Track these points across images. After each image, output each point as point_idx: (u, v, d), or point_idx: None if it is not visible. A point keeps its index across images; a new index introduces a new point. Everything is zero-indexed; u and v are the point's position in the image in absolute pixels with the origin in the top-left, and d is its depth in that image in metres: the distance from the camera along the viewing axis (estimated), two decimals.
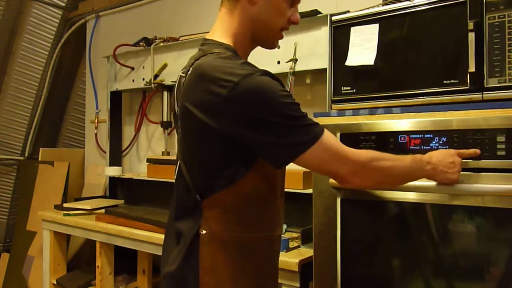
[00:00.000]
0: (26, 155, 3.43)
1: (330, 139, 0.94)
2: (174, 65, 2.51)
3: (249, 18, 1.02)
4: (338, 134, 1.30)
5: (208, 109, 0.92)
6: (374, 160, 0.97)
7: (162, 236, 1.12)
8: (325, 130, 0.94)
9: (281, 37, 1.08)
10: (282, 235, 1.80)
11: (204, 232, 0.97)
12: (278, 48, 2.09)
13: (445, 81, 1.22)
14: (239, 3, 1.01)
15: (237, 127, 0.91)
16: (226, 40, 1.02)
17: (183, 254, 0.99)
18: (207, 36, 1.06)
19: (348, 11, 1.48)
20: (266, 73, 0.92)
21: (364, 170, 0.96)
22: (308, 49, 1.95)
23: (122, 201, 2.74)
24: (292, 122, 0.90)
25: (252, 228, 1.00)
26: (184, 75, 1.02)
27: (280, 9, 1.02)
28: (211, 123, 0.92)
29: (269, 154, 0.94)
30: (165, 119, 2.60)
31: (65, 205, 2.62)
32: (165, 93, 2.59)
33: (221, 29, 1.04)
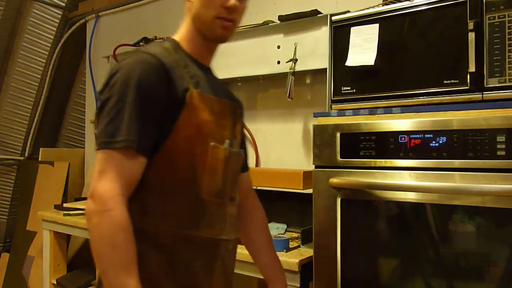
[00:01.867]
0: (26, 155, 3.43)
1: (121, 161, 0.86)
2: None
3: (190, 15, 1.05)
4: (338, 134, 1.30)
5: None
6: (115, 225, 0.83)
7: None
8: (128, 152, 0.86)
9: (222, 25, 1.01)
10: (282, 235, 1.80)
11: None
12: (278, 48, 2.08)
13: (445, 81, 1.22)
14: (185, 4, 1.06)
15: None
16: (175, 37, 1.08)
17: None
18: None
19: (348, 11, 1.48)
20: (153, 56, 0.93)
21: (97, 213, 0.83)
22: (308, 49, 1.95)
23: None
24: (124, 109, 0.87)
25: (155, 220, 0.93)
26: None
27: None
28: None
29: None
30: None
31: (65, 205, 2.63)
32: None
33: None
